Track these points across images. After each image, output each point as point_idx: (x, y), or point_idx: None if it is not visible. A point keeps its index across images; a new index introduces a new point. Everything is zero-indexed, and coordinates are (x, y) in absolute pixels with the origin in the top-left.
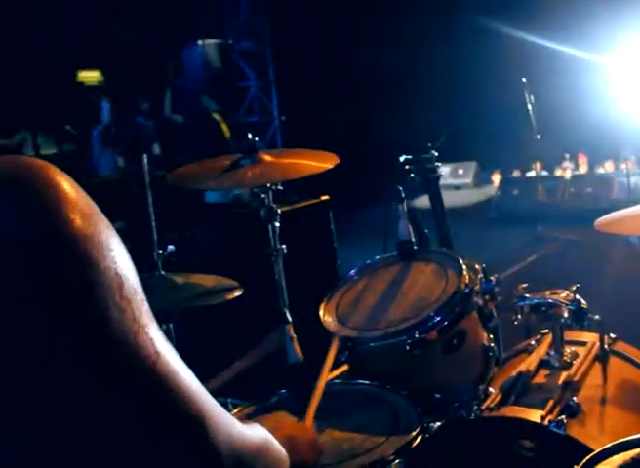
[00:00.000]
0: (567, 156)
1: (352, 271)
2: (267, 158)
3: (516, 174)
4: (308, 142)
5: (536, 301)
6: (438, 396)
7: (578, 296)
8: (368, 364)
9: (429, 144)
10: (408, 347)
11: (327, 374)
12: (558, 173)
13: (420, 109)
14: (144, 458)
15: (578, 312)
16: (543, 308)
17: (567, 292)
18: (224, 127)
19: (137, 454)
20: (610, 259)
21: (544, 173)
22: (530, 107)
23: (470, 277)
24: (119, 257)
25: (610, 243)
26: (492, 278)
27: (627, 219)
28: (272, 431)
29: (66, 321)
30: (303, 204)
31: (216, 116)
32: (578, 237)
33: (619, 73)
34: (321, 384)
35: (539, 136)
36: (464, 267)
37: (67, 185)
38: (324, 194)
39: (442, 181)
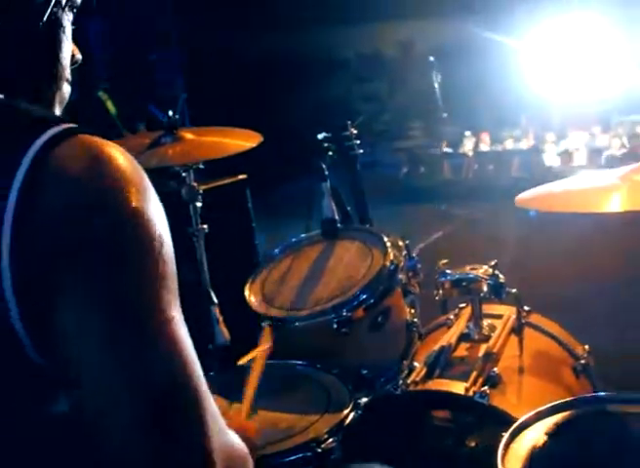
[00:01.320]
0: (467, 134)
1: (276, 250)
2: (188, 136)
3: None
4: (219, 120)
5: (457, 276)
6: (365, 372)
7: (496, 271)
8: (295, 343)
9: (348, 122)
10: (335, 326)
11: (261, 367)
12: (461, 150)
13: (333, 90)
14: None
15: (496, 286)
16: (464, 283)
17: (485, 267)
18: (109, 105)
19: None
20: (512, 234)
21: (448, 150)
22: (436, 86)
23: (395, 254)
24: (159, 223)
25: (512, 218)
26: (414, 255)
27: (545, 196)
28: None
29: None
30: (221, 183)
31: (101, 94)
32: (480, 214)
33: (528, 57)
34: (256, 374)
35: (445, 115)
36: (389, 245)
37: (124, 161)
38: (242, 173)
39: None
